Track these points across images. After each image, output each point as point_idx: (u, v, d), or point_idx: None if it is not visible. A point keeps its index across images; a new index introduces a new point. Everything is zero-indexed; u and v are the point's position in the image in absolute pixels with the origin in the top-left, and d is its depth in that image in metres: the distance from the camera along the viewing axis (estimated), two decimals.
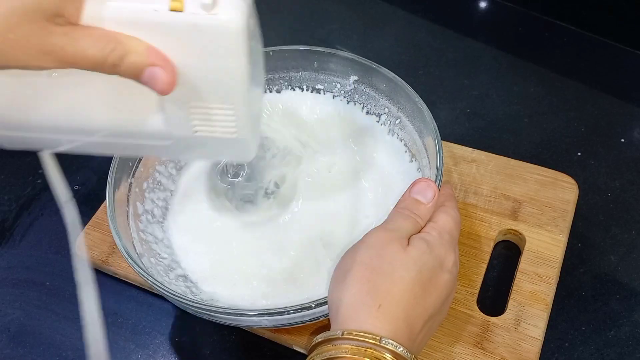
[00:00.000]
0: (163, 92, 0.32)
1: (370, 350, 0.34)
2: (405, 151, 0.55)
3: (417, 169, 0.53)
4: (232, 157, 0.42)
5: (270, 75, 0.59)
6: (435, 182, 0.45)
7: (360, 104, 0.58)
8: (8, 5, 0.28)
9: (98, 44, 0.30)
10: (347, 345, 0.35)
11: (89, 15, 0.31)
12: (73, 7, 0.30)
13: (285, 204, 0.54)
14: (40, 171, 0.67)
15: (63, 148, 0.38)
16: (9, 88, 0.35)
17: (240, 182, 0.54)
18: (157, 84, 0.32)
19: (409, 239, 0.40)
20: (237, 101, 0.35)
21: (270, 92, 0.60)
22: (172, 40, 0.32)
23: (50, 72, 0.34)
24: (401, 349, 0.35)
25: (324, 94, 0.59)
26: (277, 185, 0.54)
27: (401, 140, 0.56)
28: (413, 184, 0.43)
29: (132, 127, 0.37)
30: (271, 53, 0.57)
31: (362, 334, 0.35)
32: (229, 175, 0.54)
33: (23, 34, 0.29)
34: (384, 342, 0.35)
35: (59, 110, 0.36)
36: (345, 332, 0.35)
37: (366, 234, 0.41)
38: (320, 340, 0.37)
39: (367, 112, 0.58)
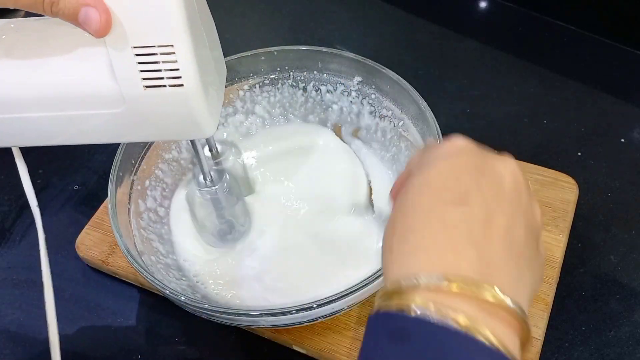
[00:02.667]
0: (98, 34, 0.33)
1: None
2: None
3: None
4: (189, 128, 0.39)
5: (273, 75, 0.59)
6: None
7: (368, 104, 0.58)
8: None
9: None
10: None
11: None
12: None
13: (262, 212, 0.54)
14: (40, 171, 0.67)
15: (15, 134, 0.39)
16: None
17: (220, 200, 0.50)
18: (92, 24, 0.32)
19: None
20: (176, 38, 0.34)
21: (274, 92, 0.60)
22: None
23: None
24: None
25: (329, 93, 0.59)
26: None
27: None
28: None
29: (83, 89, 0.36)
30: (275, 53, 0.57)
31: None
32: (207, 182, 0.48)
33: None
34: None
35: (7, 76, 0.36)
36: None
37: None
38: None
39: (371, 113, 0.58)
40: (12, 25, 0.37)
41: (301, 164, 0.58)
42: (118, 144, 0.50)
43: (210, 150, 0.50)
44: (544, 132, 0.64)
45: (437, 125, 0.49)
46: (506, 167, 0.32)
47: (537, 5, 0.75)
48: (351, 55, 0.55)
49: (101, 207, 0.59)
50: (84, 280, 0.57)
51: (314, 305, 0.41)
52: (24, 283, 0.57)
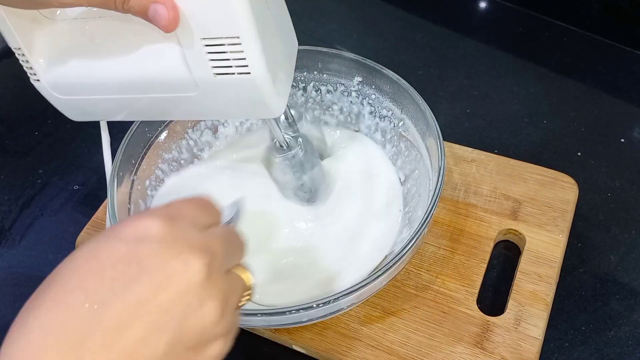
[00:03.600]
0: (166, 29, 0.34)
1: None
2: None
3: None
4: (259, 109, 0.41)
5: None
6: (437, 182, 0.45)
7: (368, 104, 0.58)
8: None
9: None
10: None
11: None
12: None
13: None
14: (40, 171, 0.67)
15: (107, 111, 0.44)
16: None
17: (297, 163, 0.52)
18: (161, 20, 0.34)
19: None
20: (242, 30, 0.35)
21: None
22: None
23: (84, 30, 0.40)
24: None
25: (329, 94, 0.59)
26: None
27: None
28: None
29: (161, 77, 0.39)
30: None
31: None
32: (284, 149, 0.50)
33: None
34: None
35: (104, 69, 0.40)
36: None
37: None
38: None
39: (371, 113, 0.58)
40: (93, 15, 0.40)
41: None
42: (118, 144, 0.50)
43: (287, 118, 0.51)
44: (544, 132, 0.64)
45: (437, 125, 0.49)
46: (193, 264, 0.27)
47: (537, 5, 0.75)
48: (351, 55, 0.55)
49: (101, 207, 0.59)
50: None
51: (314, 305, 0.41)
52: (24, 283, 0.57)
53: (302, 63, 0.58)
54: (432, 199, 0.45)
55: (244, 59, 0.37)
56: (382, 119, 0.57)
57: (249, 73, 0.37)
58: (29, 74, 0.42)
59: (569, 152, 0.62)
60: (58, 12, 0.40)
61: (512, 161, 0.58)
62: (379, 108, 0.57)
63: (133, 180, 0.52)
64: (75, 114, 0.46)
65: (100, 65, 0.40)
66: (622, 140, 0.62)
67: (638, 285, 0.52)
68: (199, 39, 0.36)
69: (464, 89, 0.69)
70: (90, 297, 0.25)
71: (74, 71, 0.41)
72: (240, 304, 0.31)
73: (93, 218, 0.58)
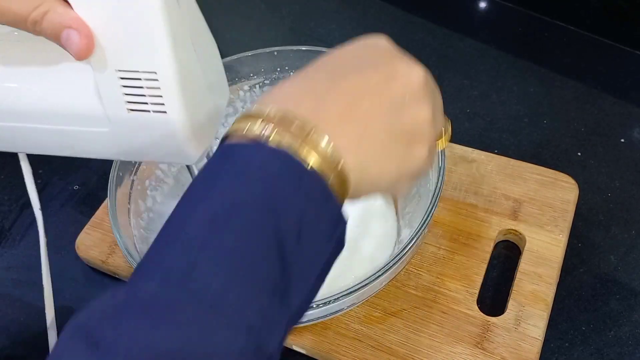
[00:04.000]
0: (78, 57, 0.33)
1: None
2: None
3: None
4: (173, 154, 0.38)
5: (273, 75, 0.59)
6: (437, 182, 0.45)
7: None
8: None
9: (24, 0, 0.32)
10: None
11: None
12: None
13: None
14: (40, 171, 0.67)
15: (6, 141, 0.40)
16: None
17: None
18: (73, 46, 0.33)
19: None
20: (160, 65, 0.34)
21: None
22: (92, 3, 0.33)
23: None
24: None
25: None
26: None
27: None
28: None
29: (70, 107, 0.37)
30: (275, 53, 0.57)
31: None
32: None
33: None
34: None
35: (10, 94, 0.37)
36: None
37: None
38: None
39: None
40: (7, 37, 0.38)
41: None
42: None
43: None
44: (544, 132, 0.64)
45: None
46: (417, 69, 0.33)
47: (537, 5, 0.75)
48: None
49: (101, 207, 0.59)
50: (84, 280, 0.57)
51: (314, 305, 0.41)
52: (24, 283, 0.57)
53: (302, 63, 0.58)
54: (432, 199, 0.45)
55: (161, 96, 0.34)
56: None
57: (164, 112, 0.35)
58: None
59: (569, 152, 0.62)
60: None
61: (512, 161, 0.58)
62: None
63: (133, 181, 0.52)
64: None
65: (5, 90, 0.38)
66: (622, 140, 0.62)
67: (638, 285, 0.52)
68: (113, 70, 0.34)
69: (464, 89, 0.69)
70: (329, 72, 0.31)
71: None
72: (438, 141, 0.35)
73: (93, 218, 0.58)
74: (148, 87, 0.34)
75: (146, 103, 0.35)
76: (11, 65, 0.37)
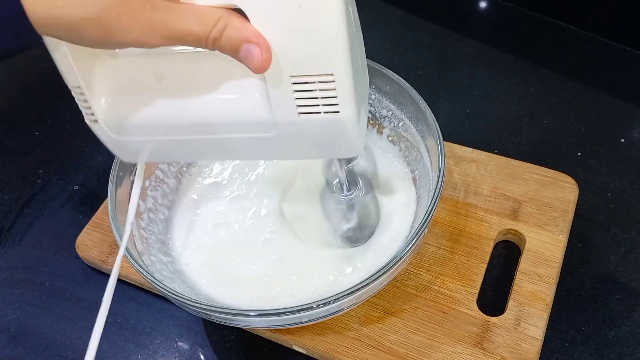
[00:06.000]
0: (258, 70, 0.33)
1: None
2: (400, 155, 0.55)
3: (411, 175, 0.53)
4: (340, 149, 0.39)
5: None
6: (437, 182, 0.45)
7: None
8: None
9: (202, 19, 0.31)
10: None
11: None
12: None
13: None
14: (40, 171, 0.67)
15: (175, 153, 0.40)
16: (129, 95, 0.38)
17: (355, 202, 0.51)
18: (253, 61, 0.32)
19: None
20: (337, 67, 0.33)
21: None
22: (267, 10, 0.32)
23: (159, 77, 0.37)
24: None
25: None
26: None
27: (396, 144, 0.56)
28: None
29: (238, 116, 0.37)
30: None
31: None
32: (345, 190, 0.51)
33: (132, 8, 0.30)
34: None
35: (174, 108, 0.38)
36: None
37: None
38: None
39: (371, 113, 0.58)
40: (162, 51, 0.37)
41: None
42: None
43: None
44: (544, 132, 0.64)
45: (437, 125, 0.49)
46: None
47: (537, 5, 0.75)
48: None
49: (101, 207, 0.59)
50: (84, 280, 0.57)
51: (314, 306, 0.41)
52: (24, 283, 0.57)
53: None
54: (432, 199, 0.45)
55: (335, 97, 0.34)
56: (382, 119, 0.57)
57: (337, 112, 0.35)
58: (84, 114, 0.39)
59: (569, 152, 0.62)
60: (117, 49, 0.37)
61: (512, 161, 0.58)
62: (379, 108, 0.57)
63: (133, 181, 0.52)
64: (130, 155, 0.42)
65: (169, 105, 0.38)
66: (622, 140, 0.62)
67: (638, 285, 0.52)
68: (287, 76, 0.34)
69: (464, 89, 0.69)
70: None
71: (139, 111, 0.38)
72: None
73: (93, 218, 0.58)
74: (322, 90, 0.34)
75: (318, 105, 0.35)
76: (172, 79, 0.38)
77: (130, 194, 0.51)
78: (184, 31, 0.31)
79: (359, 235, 0.52)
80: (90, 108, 0.38)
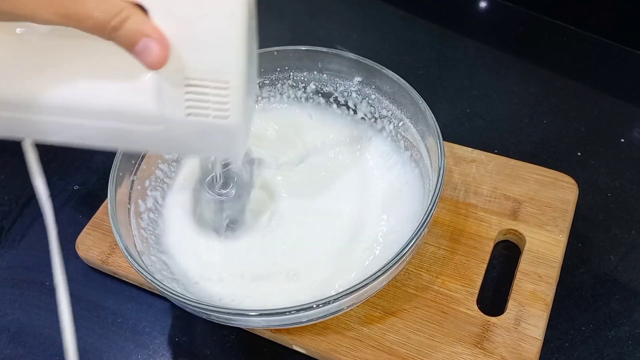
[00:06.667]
0: (153, 67, 0.32)
1: None
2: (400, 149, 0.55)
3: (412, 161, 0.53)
4: (222, 151, 0.40)
5: (273, 75, 0.59)
6: (437, 182, 0.45)
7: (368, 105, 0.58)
8: None
9: (105, 6, 0.31)
10: None
11: None
12: None
13: (274, 210, 0.54)
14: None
15: (51, 134, 0.39)
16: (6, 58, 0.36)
17: (226, 201, 0.52)
18: (149, 56, 0.32)
19: None
20: (233, 76, 0.34)
21: (272, 95, 0.60)
22: (170, 9, 0.32)
23: (45, 40, 0.35)
24: None
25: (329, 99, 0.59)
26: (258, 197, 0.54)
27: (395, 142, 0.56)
28: None
29: (124, 106, 0.36)
30: (275, 53, 0.57)
31: None
32: (217, 187, 0.51)
33: None
34: None
35: (50, 83, 0.36)
36: None
37: None
38: None
39: (370, 113, 0.58)
40: (59, 33, 0.36)
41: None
42: None
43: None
44: (544, 132, 0.64)
45: (437, 126, 0.49)
46: None
47: (537, 5, 0.75)
48: (351, 55, 0.55)
49: (101, 207, 0.59)
50: (84, 280, 0.57)
51: (314, 305, 0.41)
52: (24, 283, 0.57)
53: (302, 63, 0.58)
54: (432, 199, 0.45)
55: (227, 103, 0.35)
56: (382, 119, 0.57)
57: (225, 118, 0.35)
58: None
59: (569, 152, 0.62)
60: (18, 29, 0.36)
61: (512, 161, 0.58)
62: (379, 108, 0.57)
63: (133, 181, 0.52)
64: None
65: (51, 84, 0.36)
66: (622, 140, 0.62)
67: (638, 285, 0.52)
68: (182, 78, 0.34)
69: (464, 89, 0.69)
70: None
71: (17, 86, 0.37)
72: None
73: (93, 218, 0.58)
74: (214, 95, 0.34)
75: (208, 109, 0.35)
76: (64, 62, 0.37)
77: (129, 193, 0.51)
78: (82, 14, 0.30)
79: (232, 232, 0.53)
80: None
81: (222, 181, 0.51)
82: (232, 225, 0.53)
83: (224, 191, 0.51)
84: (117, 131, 0.38)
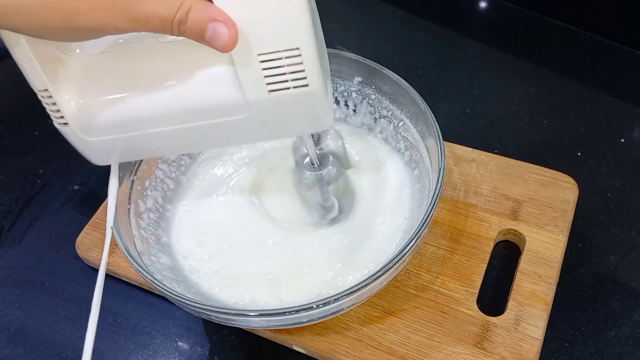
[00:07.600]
0: (225, 49, 0.33)
1: None
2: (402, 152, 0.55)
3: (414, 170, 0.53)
4: (311, 124, 0.40)
5: None
6: (437, 182, 0.45)
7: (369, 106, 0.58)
8: None
9: (166, 1, 0.31)
10: None
11: None
12: None
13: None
14: (40, 171, 0.67)
15: (155, 147, 0.40)
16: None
17: (327, 179, 0.52)
18: (220, 40, 0.32)
19: None
20: (302, 41, 0.34)
21: None
22: None
23: (110, 59, 0.37)
24: None
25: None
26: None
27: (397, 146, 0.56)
28: None
29: (211, 101, 0.37)
30: None
31: None
32: (316, 167, 0.51)
33: None
34: None
35: (144, 101, 0.38)
36: None
37: None
38: None
39: (370, 114, 0.58)
40: (122, 46, 0.37)
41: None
42: None
43: (312, 136, 0.50)
44: (544, 132, 0.64)
45: (437, 126, 0.49)
46: None
47: (537, 5, 0.75)
48: (351, 55, 0.55)
49: (101, 207, 0.59)
50: (84, 280, 0.57)
51: (314, 306, 0.41)
52: (24, 283, 0.57)
53: None
54: (432, 199, 0.45)
55: (303, 70, 0.35)
56: (382, 119, 0.57)
57: (306, 85, 0.36)
58: (53, 118, 0.38)
59: (569, 152, 0.62)
60: (77, 50, 0.37)
61: (512, 161, 0.58)
62: (379, 108, 0.57)
63: (133, 181, 0.52)
64: (102, 156, 0.42)
65: (139, 98, 0.38)
66: (622, 140, 0.62)
67: (638, 285, 0.52)
68: (255, 55, 0.34)
69: (464, 89, 0.69)
70: None
71: (110, 109, 0.38)
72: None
73: (93, 218, 0.58)
74: (289, 65, 0.35)
75: (287, 81, 0.36)
76: (139, 72, 0.38)
77: (129, 193, 0.51)
78: (148, 14, 0.31)
79: (336, 212, 0.53)
80: (59, 111, 0.38)
81: (318, 161, 0.51)
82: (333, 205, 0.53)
83: (323, 170, 0.51)
84: (207, 129, 0.39)
